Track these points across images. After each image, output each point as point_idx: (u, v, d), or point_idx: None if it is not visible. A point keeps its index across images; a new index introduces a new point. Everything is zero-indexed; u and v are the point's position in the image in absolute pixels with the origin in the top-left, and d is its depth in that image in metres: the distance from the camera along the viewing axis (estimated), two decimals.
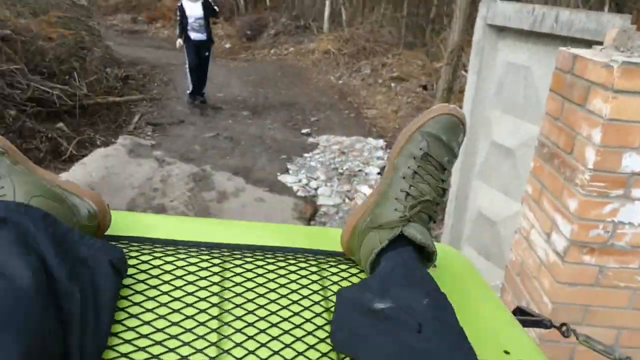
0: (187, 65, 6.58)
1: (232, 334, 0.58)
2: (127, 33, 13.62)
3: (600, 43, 1.59)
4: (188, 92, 6.75)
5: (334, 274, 0.74)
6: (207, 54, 6.53)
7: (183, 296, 0.62)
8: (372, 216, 0.73)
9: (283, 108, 6.95)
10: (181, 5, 6.17)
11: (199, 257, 0.71)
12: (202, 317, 0.59)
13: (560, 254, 1.50)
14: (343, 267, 0.76)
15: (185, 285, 0.64)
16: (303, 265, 0.74)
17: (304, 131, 5.97)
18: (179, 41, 6.51)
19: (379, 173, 4.75)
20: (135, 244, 0.72)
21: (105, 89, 5.89)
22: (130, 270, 0.64)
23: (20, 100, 4.21)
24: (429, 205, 0.70)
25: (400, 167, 0.73)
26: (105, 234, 0.72)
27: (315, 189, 4.28)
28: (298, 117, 6.57)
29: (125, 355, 0.53)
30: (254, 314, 0.62)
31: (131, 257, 0.67)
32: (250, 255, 0.74)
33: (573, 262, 1.48)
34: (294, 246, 0.79)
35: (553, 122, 1.64)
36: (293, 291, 0.67)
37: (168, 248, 0.72)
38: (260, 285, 0.67)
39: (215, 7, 6.57)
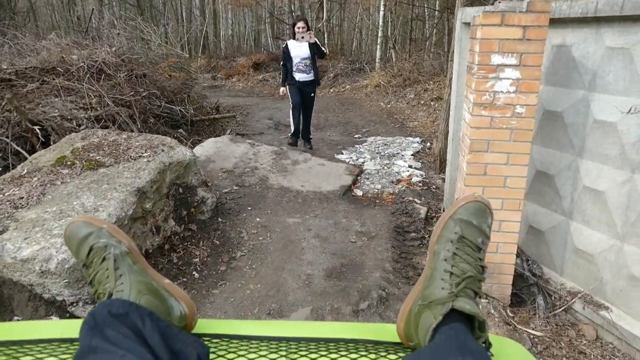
0: (291, 107, 6.19)
1: None
2: (209, 87, 15.90)
3: None
4: (290, 134, 6.36)
5: None
6: (312, 94, 6.05)
7: None
8: (423, 297, 0.79)
9: (340, 125, 8.56)
10: (286, 45, 5.85)
11: (269, 349, 0.79)
12: None
13: (470, 111, 2.90)
14: (402, 354, 0.79)
15: None
16: (363, 353, 0.78)
17: (356, 136, 7.54)
18: (282, 89, 6.08)
19: (412, 155, 6.16)
20: (216, 340, 0.82)
21: (205, 112, 7.85)
22: None
23: (156, 113, 6.12)
24: (473, 281, 0.76)
25: (441, 252, 0.81)
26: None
27: (362, 163, 5.78)
28: (352, 129, 8.15)
29: None
30: None
31: (215, 354, 0.78)
32: (314, 346, 0.80)
33: (476, 115, 2.84)
34: (352, 337, 0.83)
35: (470, 52, 3.08)
36: None
37: (242, 343, 0.81)
38: None
39: (324, 48, 5.95)
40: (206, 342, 0.81)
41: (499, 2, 2.84)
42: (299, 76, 5.83)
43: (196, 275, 3.35)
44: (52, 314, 2.70)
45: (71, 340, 0.83)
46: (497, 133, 2.88)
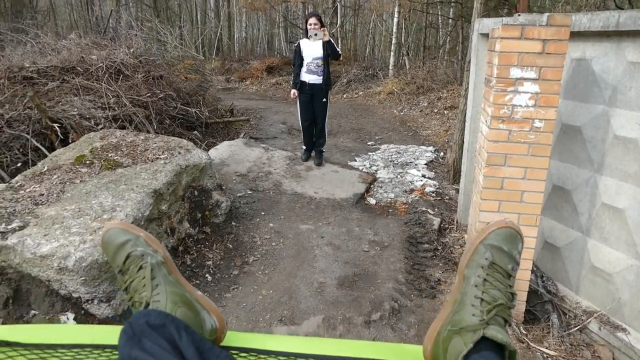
0: (299, 117, 5.63)
1: None
2: (223, 90, 15.95)
3: None
4: (304, 147, 5.78)
5: None
6: (324, 100, 5.37)
7: None
8: (452, 322, 0.78)
9: (353, 131, 8.57)
10: (298, 44, 5.34)
11: None
12: None
13: (488, 124, 2.89)
14: None
15: None
16: None
17: (369, 143, 7.54)
18: (294, 92, 5.42)
19: (425, 164, 6.15)
20: (244, 354, 0.84)
21: (219, 115, 7.90)
22: None
23: (172, 114, 6.17)
24: (503, 309, 0.76)
25: (471, 277, 0.80)
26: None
27: (375, 171, 5.77)
28: (365, 136, 8.15)
29: None
30: None
31: None
32: None
33: (494, 128, 2.84)
34: (377, 358, 0.84)
35: (488, 65, 3.08)
36: None
37: (269, 359, 0.83)
38: None
39: (338, 49, 5.35)
40: (234, 356, 0.83)
41: (519, 14, 2.83)
42: (308, 78, 5.27)
43: (209, 278, 3.37)
44: (67, 309, 2.73)
45: (103, 347, 0.84)
46: (515, 147, 2.87)
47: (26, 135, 4.35)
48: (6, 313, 2.67)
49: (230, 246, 3.74)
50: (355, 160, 6.14)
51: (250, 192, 4.64)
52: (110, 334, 0.86)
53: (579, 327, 2.95)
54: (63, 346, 0.83)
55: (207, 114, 7.09)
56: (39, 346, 0.82)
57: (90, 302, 2.68)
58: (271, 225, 4.08)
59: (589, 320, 2.94)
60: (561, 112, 3.21)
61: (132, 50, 6.38)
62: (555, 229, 3.39)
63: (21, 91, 4.81)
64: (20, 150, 4.35)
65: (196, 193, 3.76)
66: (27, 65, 5.32)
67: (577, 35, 3.01)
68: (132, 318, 0.73)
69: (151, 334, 0.69)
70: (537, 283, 3.32)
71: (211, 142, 6.44)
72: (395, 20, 13.69)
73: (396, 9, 13.53)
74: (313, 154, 5.74)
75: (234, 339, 0.91)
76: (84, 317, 2.72)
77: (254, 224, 4.06)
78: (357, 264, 3.59)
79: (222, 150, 5.41)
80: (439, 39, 17.02)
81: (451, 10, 14.79)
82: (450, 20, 15.05)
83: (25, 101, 4.52)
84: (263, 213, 4.28)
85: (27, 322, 2.66)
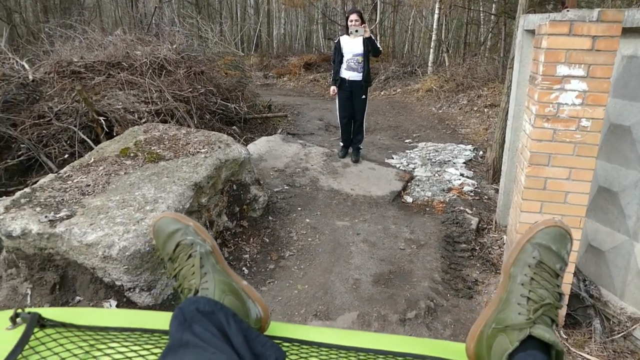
0: (337, 114, 5.62)
1: None
2: (261, 85, 16.07)
3: None
4: (341, 144, 5.79)
5: None
6: (363, 97, 5.36)
7: None
8: (497, 320, 0.77)
9: (390, 129, 8.51)
10: (338, 41, 5.33)
11: (339, 357, 0.82)
12: None
13: (532, 123, 2.82)
14: None
15: None
16: None
17: (406, 141, 7.48)
18: (333, 88, 5.42)
19: (464, 163, 6.04)
20: (287, 344, 0.85)
21: (257, 111, 8.00)
22: None
23: (212, 109, 6.29)
24: (551, 309, 0.75)
25: (517, 275, 0.79)
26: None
27: (413, 169, 5.72)
28: (403, 134, 8.08)
29: None
30: None
31: (288, 359, 0.81)
32: (383, 359, 0.83)
33: (538, 127, 2.77)
34: (419, 353, 0.85)
35: (533, 62, 3.00)
36: None
37: (312, 349, 0.85)
38: None
39: (379, 46, 5.35)
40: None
41: (567, 10, 2.75)
42: (348, 74, 5.24)
43: (246, 271, 3.42)
44: (110, 297, 2.83)
45: (152, 331, 0.87)
46: (559, 146, 2.79)
47: (73, 127, 4.53)
48: (53, 298, 2.79)
49: (267, 240, 3.79)
50: (393, 158, 6.10)
51: (287, 188, 4.68)
52: (159, 320, 0.89)
53: (623, 333, 2.85)
54: (115, 329, 0.87)
55: (245, 109, 7.19)
56: (92, 328, 0.86)
57: (132, 290, 2.76)
58: (307, 220, 4.11)
59: (634, 327, 2.84)
60: (609, 111, 3.10)
61: (174, 46, 6.53)
62: (600, 231, 3.28)
63: (69, 85, 5.01)
64: (68, 142, 4.53)
65: (235, 187, 3.82)
66: (75, 60, 5.53)
67: (629, 32, 2.89)
68: (183, 304, 0.75)
69: (201, 320, 0.71)
70: (579, 287, 3.22)
71: (249, 138, 6.53)
72: (436, 16, 13.49)
73: (437, 5, 13.34)
74: (350, 150, 5.73)
75: (277, 329, 0.92)
76: (126, 305, 2.81)
77: (291, 219, 4.10)
78: (392, 262, 3.58)
79: (260, 146, 5.48)
80: (480, 36, 16.69)
81: (493, 6, 14.46)
82: (492, 16, 14.72)
83: (73, 95, 4.69)
84: (300, 208, 4.31)
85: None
